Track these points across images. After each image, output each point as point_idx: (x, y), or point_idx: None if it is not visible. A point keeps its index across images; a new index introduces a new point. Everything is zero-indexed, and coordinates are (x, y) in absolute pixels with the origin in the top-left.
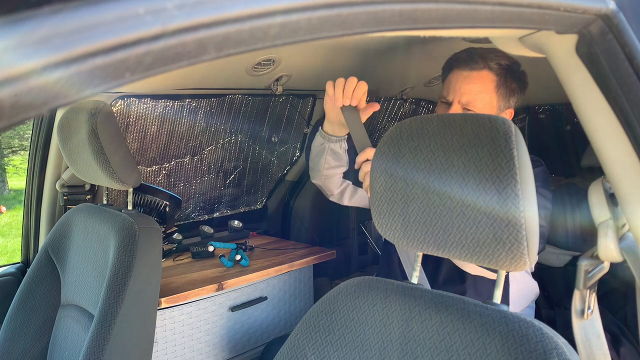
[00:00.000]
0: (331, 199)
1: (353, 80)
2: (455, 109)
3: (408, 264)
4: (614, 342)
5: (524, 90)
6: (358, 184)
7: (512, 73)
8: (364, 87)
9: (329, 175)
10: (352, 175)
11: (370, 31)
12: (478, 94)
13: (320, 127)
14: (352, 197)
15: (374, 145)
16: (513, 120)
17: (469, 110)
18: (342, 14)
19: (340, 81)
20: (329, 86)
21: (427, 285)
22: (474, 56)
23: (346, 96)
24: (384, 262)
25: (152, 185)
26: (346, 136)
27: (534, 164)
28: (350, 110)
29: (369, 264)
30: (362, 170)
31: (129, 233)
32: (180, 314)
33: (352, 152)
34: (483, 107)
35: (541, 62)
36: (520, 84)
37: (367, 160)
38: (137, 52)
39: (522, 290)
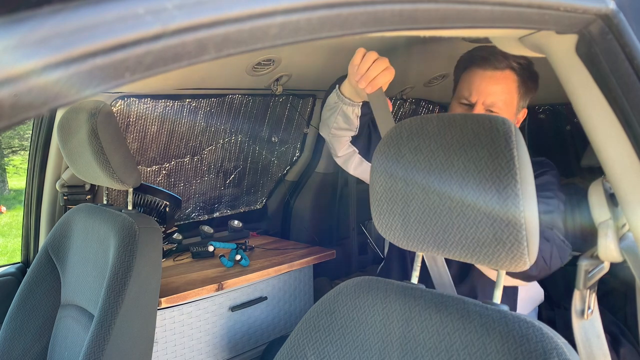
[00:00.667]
0: (336, 160)
1: (381, 63)
2: (479, 110)
3: (434, 267)
4: (613, 342)
5: (536, 90)
6: (366, 156)
7: (529, 72)
8: (389, 75)
9: (336, 135)
10: (360, 141)
11: (370, 31)
12: (502, 94)
13: (338, 85)
14: (357, 168)
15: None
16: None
17: (491, 111)
18: (342, 14)
19: (372, 55)
20: (359, 53)
21: (452, 290)
22: (496, 55)
23: (365, 78)
24: (390, 263)
25: (152, 185)
26: (360, 103)
27: (548, 167)
28: (376, 94)
29: (369, 264)
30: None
31: (129, 233)
32: (180, 314)
33: (365, 120)
34: (505, 108)
35: (541, 62)
36: (536, 83)
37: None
38: (137, 52)
39: (530, 296)
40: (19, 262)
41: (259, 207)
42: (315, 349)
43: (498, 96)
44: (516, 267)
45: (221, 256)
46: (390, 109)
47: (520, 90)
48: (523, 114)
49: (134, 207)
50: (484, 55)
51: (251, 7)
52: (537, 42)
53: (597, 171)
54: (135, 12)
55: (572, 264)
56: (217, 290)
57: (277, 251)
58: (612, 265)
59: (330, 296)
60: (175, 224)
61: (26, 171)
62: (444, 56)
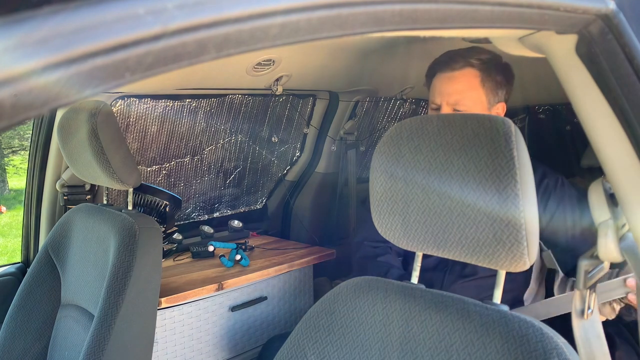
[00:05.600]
0: None
1: None
2: (445, 110)
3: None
4: (608, 344)
5: (511, 82)
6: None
7: (494, 66)
8: None
9: None
10: None
11: (370, 31)
12: (465, 92)
13: None
14: None
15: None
16: (513, 120)
17: (458, 110)
18: (342, 14)
19: None
20: None
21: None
22: (454, 56)
23: None
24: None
25: (152, 185)
26: None
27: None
28: None
29: None
30: None
31: (129, 233)
32: (181, 314)
33: None
34: (473, 105)
35: (541, 62)
36: (506, 76)
37: None
38: (137, 53)
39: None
40: (19, 262)
41: (259, 207)
42: (315, 349)
43: (460, 94)
44: (516, 267)
45: (221, 256)
46: None
47: (486, 85)
48: (502, 108)
49: (134, 207)
50: (443, 60)
51: (251, 8)
52: (537, 42)
53: (597, 171)
54: (136, 13)
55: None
56: (217, 290)
57: (277, 251)
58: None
59: (330, 296)
60: (175, 224)
61: (26, 171)
62: None
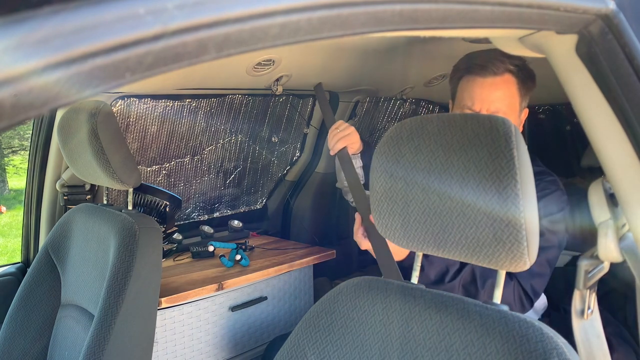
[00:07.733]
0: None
1: (341, 133)
2: None
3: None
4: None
5: (534, 87)
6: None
7: (526, 71)
8: (345, 142)
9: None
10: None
11: (370, 31)
12: (505, 100)
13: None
14: None
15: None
16: None
17: None
18: (342, 14)
19: (334, 126)
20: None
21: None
22: (493, 61)
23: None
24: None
25: (152, 185)
26: (358, 154)
27: (554, 186)
28: (339, 153)
29: (369, 264)
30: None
31: (129, 233)
32: (181, 314)
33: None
34: (510, 112)
35: (541, 62)
36: (534, 81)
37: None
38: (138, 53)
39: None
40: (19, 262)
41: (259, 207)
42: (315, 349)
43: (501, 102)
44: (516, 267)
45: (221, 256)
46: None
47: (521, 92)
48: (525, 113)
49: (134, 207)
50: (481, 63)
51: (252, 8)
52: (537, 42)
53: (597, 171)
54: (136, 13)
55: (572, 264)
56: (217, 290)
57: (277, 251)
58: (612, 265)
59: (330, 296)
60: (175, 224)
61: (26, 171)
62: (444, 56)
